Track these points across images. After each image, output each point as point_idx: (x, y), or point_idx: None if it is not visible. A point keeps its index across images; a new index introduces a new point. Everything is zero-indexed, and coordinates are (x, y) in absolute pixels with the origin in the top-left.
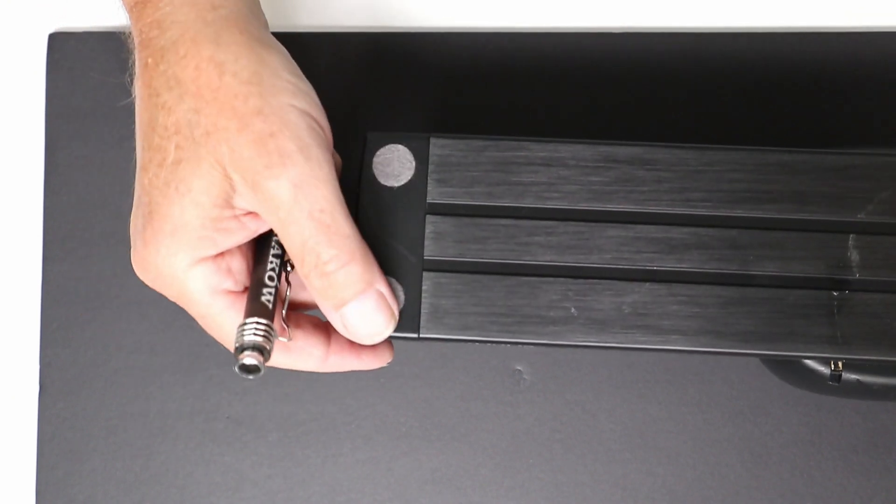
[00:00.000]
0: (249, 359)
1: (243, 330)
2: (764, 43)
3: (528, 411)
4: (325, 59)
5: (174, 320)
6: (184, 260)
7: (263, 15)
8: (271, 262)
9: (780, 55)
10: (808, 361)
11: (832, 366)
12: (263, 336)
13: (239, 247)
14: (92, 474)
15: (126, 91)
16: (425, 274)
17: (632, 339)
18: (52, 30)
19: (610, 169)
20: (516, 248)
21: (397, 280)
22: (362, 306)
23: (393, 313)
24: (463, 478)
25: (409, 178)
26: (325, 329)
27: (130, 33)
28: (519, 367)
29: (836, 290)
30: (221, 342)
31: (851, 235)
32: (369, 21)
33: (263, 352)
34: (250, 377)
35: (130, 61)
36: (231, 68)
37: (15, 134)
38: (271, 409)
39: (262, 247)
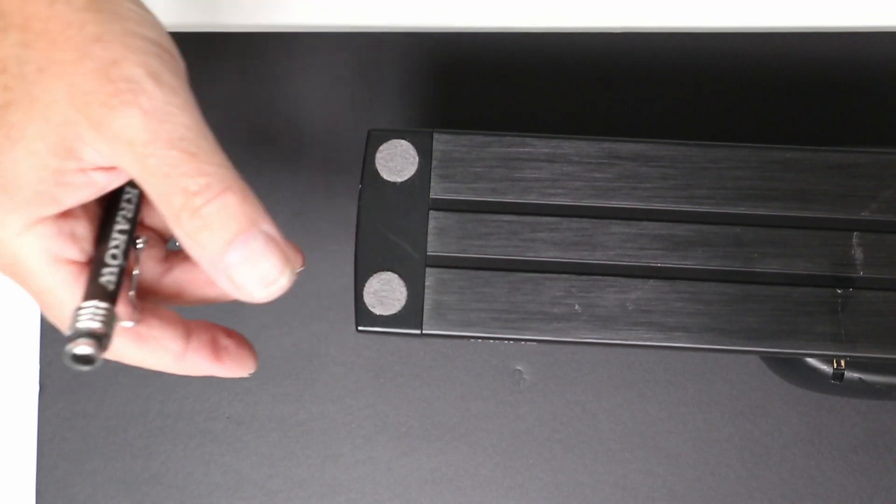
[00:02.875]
0: (82, 347)
1: (78, 315)
2: (764, 43)
3: (528, 411)
4: (325, 59)
5: None
6: (17, 220)
7: None
8: (115, 239)
9: (780, 55)
10: (809, 360)
11: (834, 364)
12: (101, 322)
13: (85, 209)
14: (92, 474)
15: None
16: (428, 270)
17: (636, 336)
18: None
19: (614, 165)
20: (520, 244)
21: (400, 276)
22: (247, 250)
23: (287, 258)
24: (463, 478)
25: (412, 173)
26: (184, 325)
27: None
28: (519, 367)
29: (839, 288)
30: (62, 327)
31: (855, 233)
32: (369, 21)
33: (101, 339)
34: (84, 368)
35: None
36: None
37: None
38: (271, 409)
39: (106, 221)
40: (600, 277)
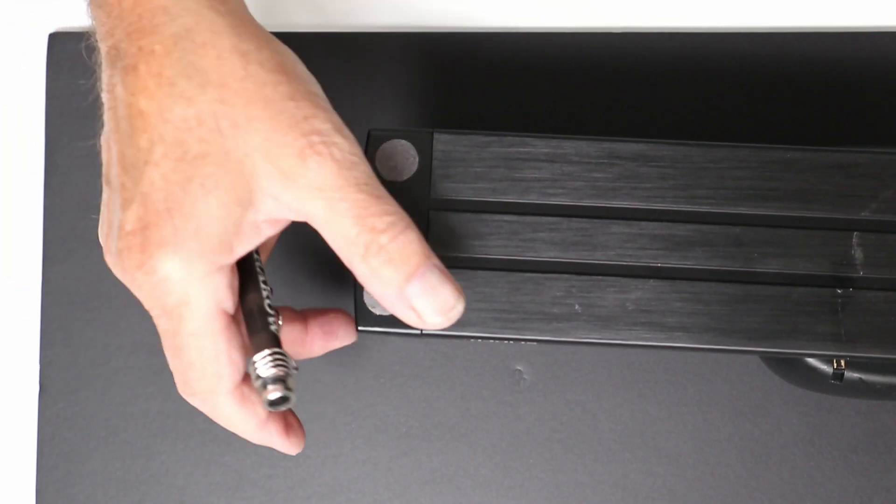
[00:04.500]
0: (275, 392)
1: (260, 364)
2: (764, 43)
3: (528, 411)
4: (325, 59)
5: None
6: (203, 266)
7: None
8: (264, 290)
9: (780, 55)
10: (809, 360)
11: (834, 364)
12: (281, 366)
13: (233, 267)
14: (92, 474)
15: None
16: None
17: (636, 336)
18: (52, 30)
19: (614, 165)
20: (520, 244)
21: None
22: (426, 281)
23: (457, 285)
24: (463, 478)
25: (413, 173)
26: (303, 317)
27: (101, 22)
28: (519, 367)
29: (839, 288)
30: (188, 369)
31: (855, 233)
32: (369, 21)
33: (287, 381)
34: (283, 408)
35: (103, 47)
36: (255, 58)
37: (15, 134)
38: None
39: (248, 272)
40: (600, 277)
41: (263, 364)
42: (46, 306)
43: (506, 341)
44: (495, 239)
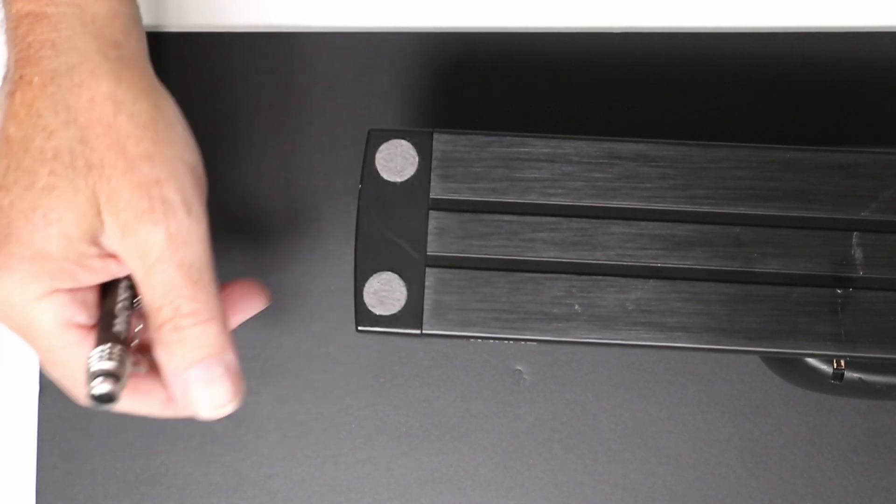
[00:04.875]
0: (102, 386)
1: (93, 357)
2: (764, 43)
3: (528, 411)
4: (325, 59)
5: None
6: (37, 289)
7: None
8: (121, 296)
9: (780, 55)
10: (809, 360)
11: (834, 364)
12: (116, 361)
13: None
14: (92, 474)
15: None
16: (428, 270)
17: (636, 336)
18: None
19: (614, 165)
20: (520, 244)
21: (400, 276)
22: (209, 372)
23: (240, 389)
24: (463, 478)
25: (412, 173)
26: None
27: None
28: (519, 367)
29: (839, 288)
30: (62, 382)
31: (855, 233)
32: (369, 21)
33: (118, 377)
34: (105, 407)
35: None
36: (128, 109)
37: None
38: (271, 409)
39: (111, 285)
40: (600, 277)
41: (99, 356)
42: None
43: (506, 341)
44: (495, 239)
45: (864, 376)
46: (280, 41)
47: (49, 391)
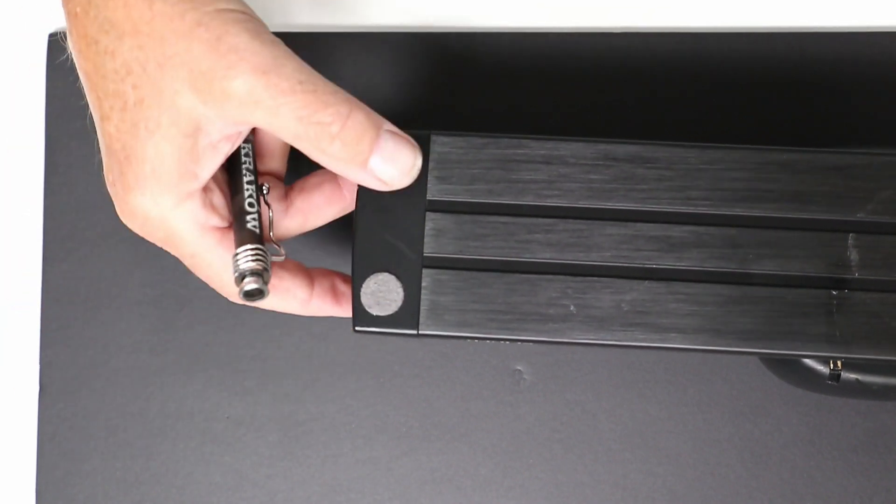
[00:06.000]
0: (251, 284)
1: (237, 259)
2: (764, 43)
3: (528, 411)
4: (325, 59)
5: (174, 320)
6: (170, 199)
7: None
8: (247, 189)
9: (780, 55)
10: (807, 361)
11: (831, 365)
12: (257, 260)
13: (217, 183)
14: (92, 474)
15: None
16: (425, 271)
17: (630, 337)
18: (52, 30)
19: (610, 167)
20: (516, 245)
21: (397, 277)
22: (384, 151)
23: (413, 143)
24: (463, 478)
25: None
26: (307, 273)
27: None
28: (519, 367)
29: (835, 290)
30: (210, 282)
31: (851, 234)
32: (369, 21)
33: (263, 275)
34: (255, 302)
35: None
36: None
37: (15, 134)
38: (271, 409)
39: (234, 177)
40: (596, 278)
41: (243, 258)
42: (46, 306)
43: (502, 342)
44: (491, 240)
45: (860, 377)
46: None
47: (49, 391)
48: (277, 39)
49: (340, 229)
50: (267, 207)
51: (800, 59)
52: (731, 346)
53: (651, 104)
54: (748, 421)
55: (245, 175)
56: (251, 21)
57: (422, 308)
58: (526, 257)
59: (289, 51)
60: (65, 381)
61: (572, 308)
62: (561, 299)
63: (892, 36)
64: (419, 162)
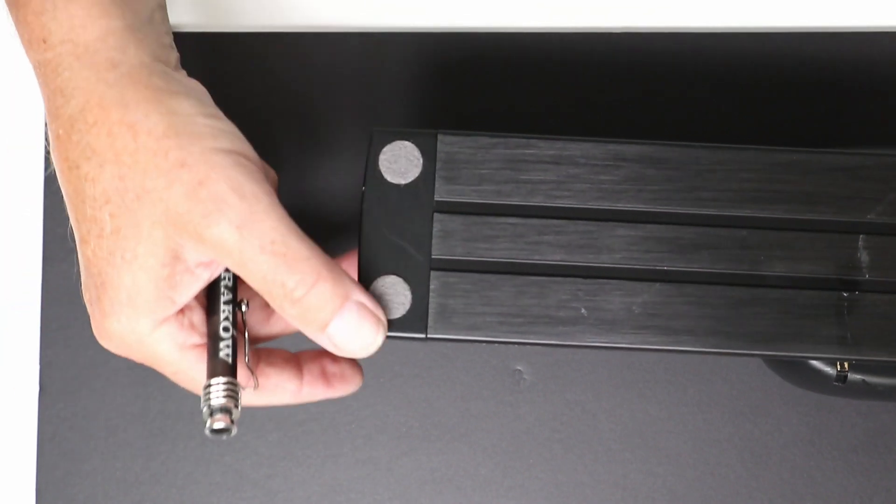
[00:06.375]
0: (219, 422)
1: (208, 393)
2: (764, 43)
3: (528, 411)
4: (324, 59)
5: None
6: (146, 325)
7: (172, 49)
8: (223, 311)
9: (781, 55)
10: (813, 362)
11: (838, 367)
12: (227, 396)
13: (197, 300)
14: (92, 474)
15: None
16: (433, 273)
17: (642, 340)
18: None
19: (619, 168)
20: (525, 247)
21: (404, 279)
22: (345, 322)
23: (379, 320)
24: (463, 478)
25: (417, 175)
26: (296, 361)
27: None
28: (519, 367)
29: (845, 291)
30: (197, 392)
31: (861, 236)
32: (370, 21)
33: (231, 412)
34: (223, 438)
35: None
36: (144, 127)
37: (15, 134)
38: (271, 409)
39: (212, 295)
40: (606, 281)
41: (208, 394)
42: (46, 306)
43: (511, 345)
44: (500, 242)
45: (867, 378)
46: (282, 42)
47: (49, 391)
48: (261, 191)
49: (346, 230)
50: (243, 327)
51: (800, 59)
52: (742, 349)
53: (651, 104)
54: (748, 421)
55: (223, 293)
56: (237, 167)
57: (430, 311)
58: (535, 259)
59: (271, 204)
60: (65, 381)
61: (583, 311)
62: (571, 302)
63: (892, 36)
64: (380, 340)
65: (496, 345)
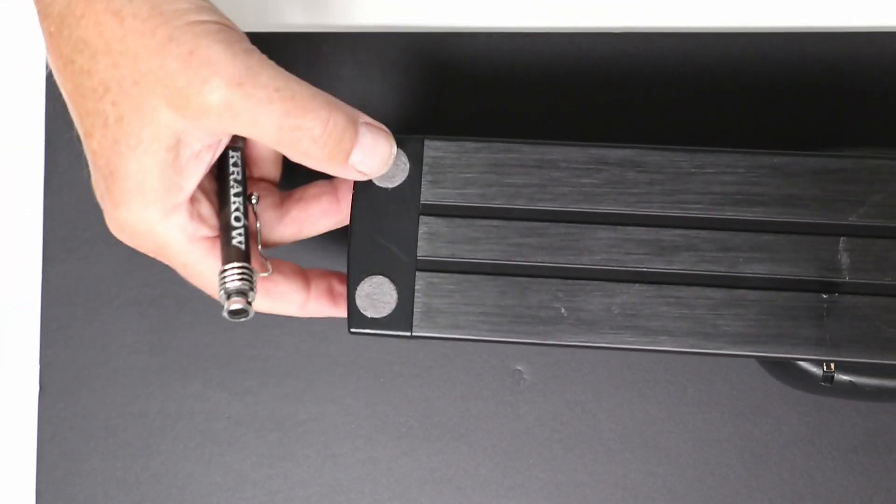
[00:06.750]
0: (236, 304)
1: (224, 277)
2: (764, 43)
3: (528, 411)
4: (323, 60)
5: (174, 320)
6: (156, 213)
7: None
8: (234, 202)
9: (780, 55)
10: (800, 362)
11: (824, 367)
12: (242, 279)
13: (205, 193)
14: (92, 474)
15: None
16: (418, 274)
17: (620, 340)
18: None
19: (601, 171)
20: (508, 248)
21: (390, 280)
22: (363, 146)
23: (386, 130)
24: (463, 478)
25: (403, 179)
26: (304, 275)
27: None
28: (519, 367)
29: (825, 293)
30: (205, 289)
31: (842, 238)
32: (367, 21)
33: (247, 294)
34: (240, 320)
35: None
36: (129, 11)
37: (15, 134)
38: (271, 409)
39: (222, 188)
40: (586, 282)
41: (224, 278)
42: (46, 306)
43: (493, 343)
44: (484, 244)
45: (854, 379)
46: (280, 43)
47: (49, 391)
48: (252, 48)
49: (335, 232)
50: (255, 218)
51: (800, 59)
52: (720, 349)
53: (651, 104)
54: (748, 421)
55: (233, 186)
56: (224, 31)
57: (415, 310)
58: (518, 260)
59: (264, 58)
60: (65, 381)
61: (563, 311)
62: (552, 302)
63: (892, 36)
64: (395, 149)
65: (480, 343)
